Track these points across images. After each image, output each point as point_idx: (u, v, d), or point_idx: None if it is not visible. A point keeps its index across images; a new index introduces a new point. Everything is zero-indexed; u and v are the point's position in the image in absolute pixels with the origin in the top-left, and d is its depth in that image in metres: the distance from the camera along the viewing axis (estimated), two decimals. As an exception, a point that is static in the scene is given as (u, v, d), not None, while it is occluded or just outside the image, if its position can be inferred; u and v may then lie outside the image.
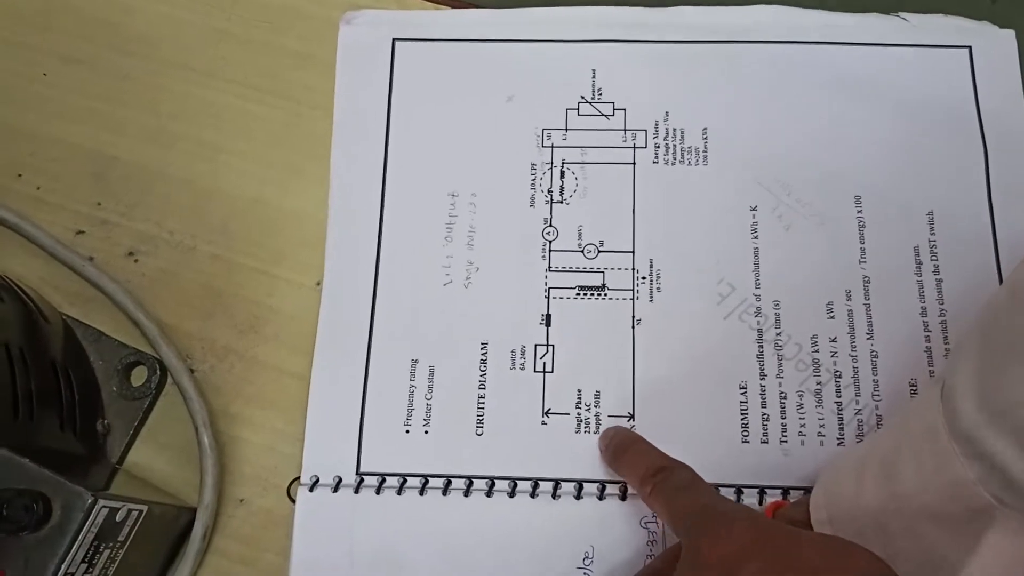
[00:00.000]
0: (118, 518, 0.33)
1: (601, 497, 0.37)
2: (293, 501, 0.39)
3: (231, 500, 0.40)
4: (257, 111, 0.45)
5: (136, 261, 0.43)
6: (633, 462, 0.37)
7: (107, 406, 0.41)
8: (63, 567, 0.31)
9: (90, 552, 0.32)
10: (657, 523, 0.37)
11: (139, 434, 0.41)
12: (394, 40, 0.45)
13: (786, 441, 0.38)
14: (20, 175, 0.44)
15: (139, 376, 0.41)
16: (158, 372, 0.41)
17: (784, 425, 0.38)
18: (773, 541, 0.29)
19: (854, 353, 0.39)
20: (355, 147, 0.44)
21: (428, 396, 0.40)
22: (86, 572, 0.32)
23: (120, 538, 0.34)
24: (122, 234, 0.44)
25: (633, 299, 0.41)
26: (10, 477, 0.31)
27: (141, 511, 0.34)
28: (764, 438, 0.38)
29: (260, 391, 0.41)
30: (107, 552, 0.33)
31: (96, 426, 0.40)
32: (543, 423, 0.39)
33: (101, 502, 0.32)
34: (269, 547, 0.39)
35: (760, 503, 0.37)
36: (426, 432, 0.39)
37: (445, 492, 0.38)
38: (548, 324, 0.41)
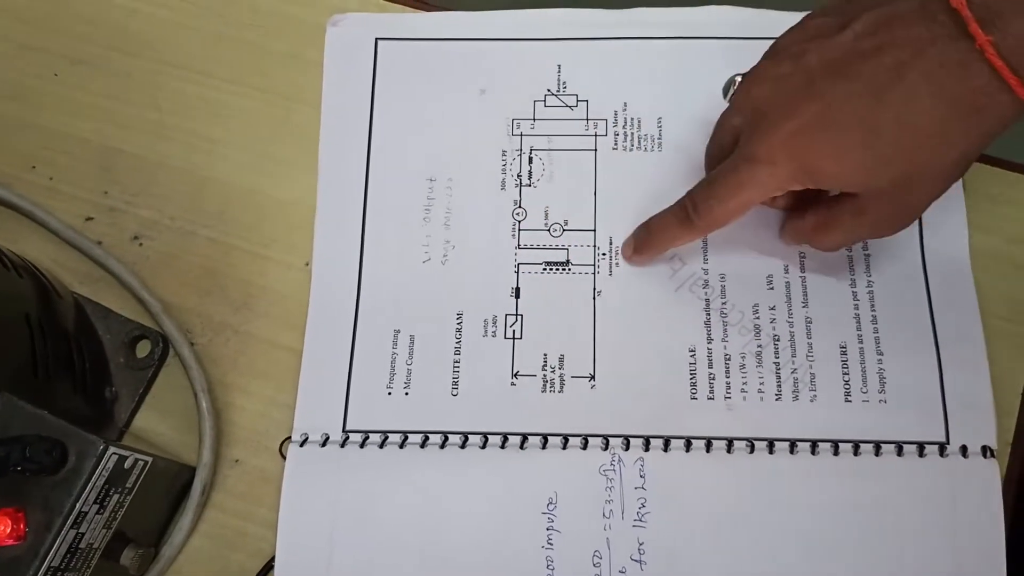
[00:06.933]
0: (126, 465, 0.36)
1: (564, 448, 0.40)
2: (284, 458, 0.42)
3: (227, 460, 0.43)
4: (250, 107, 0.49)
5: (140, 244, 0.47)
6: (660, 224, 0.42)
7: (114, 375, 0.44)
8: (78, 506, 0.34)
9: (101, 495, 0.35)
10: (614, 469, 0.40)
11: (144, 401, 0.44)
12: (377, 40, 0.49)
13: (730, 397, 0.41)
14: (34, 167, 0.48)
15: (143, 349, 0.44)
16: (160, 345, 0.44)
17: (728, 384, 0.41)
18: None
19: (791, 320, 0.42)
20: (341, 138, 0.47)
21: (409, 362, 0.43)
22: (98, 513, 0.36)
23: (128, 485, 0.37)
24: (127, 220, 0.47)
25: (594, 273, 0.44)
26: (31, 426, 0.34)
27: (147, 462, 0.38)
28: (711, 395, 0.41)
29: (253, 362, 0.44)
30: (116, 497, 0.37)
31: (105, 393, 0.43)
32: (512, 384, 0.42)
33: (112, 449, 0.35)
34: (262, 502, 0.42)
35: (707, 452, 0.40)
36: (406, 394, 0.42)
37: (423, 446, 0.41)
38: (518, 296, 0.44)
